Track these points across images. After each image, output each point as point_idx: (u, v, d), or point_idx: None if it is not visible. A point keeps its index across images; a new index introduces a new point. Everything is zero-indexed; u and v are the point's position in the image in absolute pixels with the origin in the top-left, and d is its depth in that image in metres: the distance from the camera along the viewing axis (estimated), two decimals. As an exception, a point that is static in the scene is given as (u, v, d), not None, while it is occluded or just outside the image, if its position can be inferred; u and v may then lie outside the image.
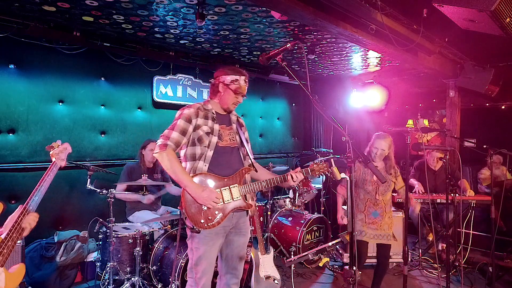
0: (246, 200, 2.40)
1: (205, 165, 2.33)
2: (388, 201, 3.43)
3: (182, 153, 2.41)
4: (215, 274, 2.57)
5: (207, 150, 2.34)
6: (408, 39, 3.82)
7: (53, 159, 2.09)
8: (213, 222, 2.26)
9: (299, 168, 2.49)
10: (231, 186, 2.34)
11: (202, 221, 2.24)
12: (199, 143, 2.34)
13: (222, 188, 2.32)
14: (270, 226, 4.67)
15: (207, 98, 2.62)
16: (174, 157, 2.28)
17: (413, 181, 4.82)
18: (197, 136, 2.34)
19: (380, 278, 3.46)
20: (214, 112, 2.46)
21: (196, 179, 2.28)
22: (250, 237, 4.46)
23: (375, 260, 3.54)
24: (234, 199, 2.34)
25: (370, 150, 3.44)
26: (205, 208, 2.25)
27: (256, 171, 2.57)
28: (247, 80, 2.48)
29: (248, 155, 2.56)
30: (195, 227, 2.22)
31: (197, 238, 2.29)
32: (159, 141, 2.30)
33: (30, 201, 1.89)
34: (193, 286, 2.34)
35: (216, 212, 2.27)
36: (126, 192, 3.96)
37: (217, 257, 2.49)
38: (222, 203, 2.29)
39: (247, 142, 2.60)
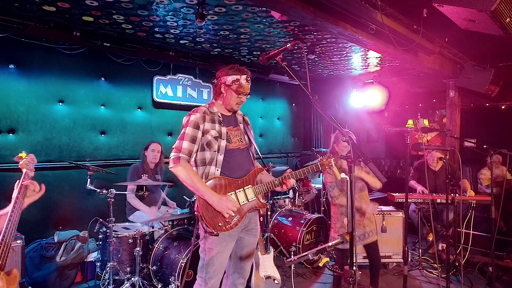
0: (260, 199, 2.43)
1: (217, 170, 2.35)
2: (365, 197, 3.38)
3: (192, 158, 2.40)
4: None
5: (217, 155, 2.35)
6: (408, 39, 3.82)
7: (24, 170, 1.99)
8: (231, 224, 2.28)
9: (289, 171, 2.46)
10: (245, 188, 2.37)
11: (220, 224, 2.26)
12: (208, 148, 2.35)
13: (237, 190, 2.35)
14: (270, 226, 4.66)
15: (211, 100, 2.60)
16: (189, 169, 2.28)
17: (413, 183, 4.80)
18: (206, 141, 2.35)
19: (377, 276, 3.48)
20: (220, 115, 2.46)
21: (210, 183, 2.30)
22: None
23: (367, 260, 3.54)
24: (249, 200, 2.37)
25: (340, 148, 3.32)
26: None
27: (268, 171, 2.56)
28: (248, 79, 2.47)
29: (258, 154, 2.60)
30: (214, 231, 2.24)
31: (211, 239, 2.29)
32: (172, 154, 2.30)
33: (14, 210, 1.76)
34: (202, 285, 2.34)
35: (233, 215, 2.29)
36: (136, 199, 4.07)
37: None
38: (238, 205, 2.32)
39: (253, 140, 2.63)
